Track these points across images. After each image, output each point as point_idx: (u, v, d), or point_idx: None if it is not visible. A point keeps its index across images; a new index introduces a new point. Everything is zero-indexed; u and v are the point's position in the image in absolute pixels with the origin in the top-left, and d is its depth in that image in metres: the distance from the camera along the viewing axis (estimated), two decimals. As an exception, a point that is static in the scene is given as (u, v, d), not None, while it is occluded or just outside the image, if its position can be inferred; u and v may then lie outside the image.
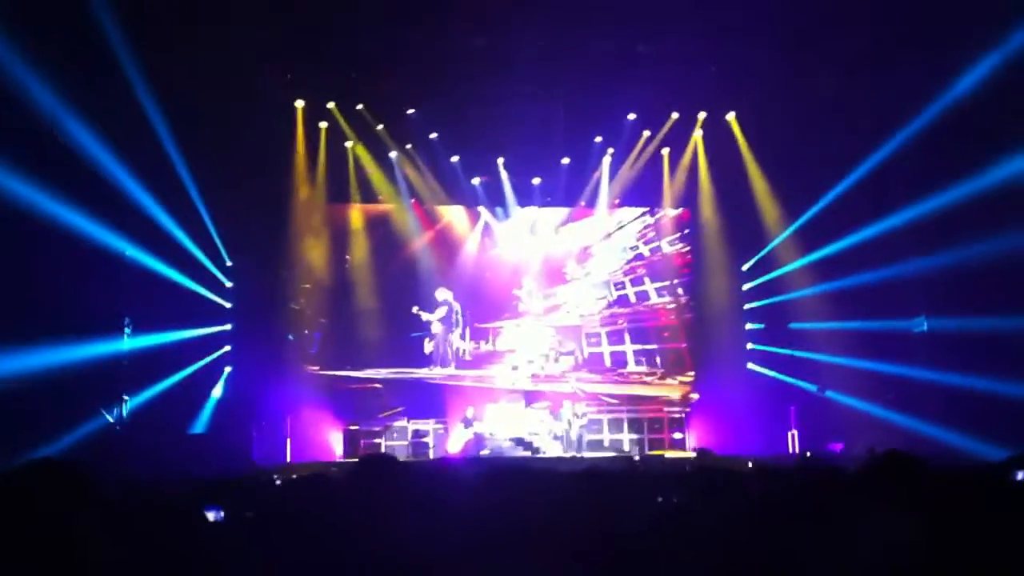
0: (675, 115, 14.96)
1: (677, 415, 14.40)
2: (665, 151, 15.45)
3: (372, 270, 15.21)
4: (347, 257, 15.26)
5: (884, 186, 12.65)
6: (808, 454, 9.87)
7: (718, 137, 15.10)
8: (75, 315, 10.73)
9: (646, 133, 15.21)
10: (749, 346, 15.25)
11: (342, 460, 13.28)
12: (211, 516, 3.32)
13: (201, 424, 12.93)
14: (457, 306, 14.99)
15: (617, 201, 15.79)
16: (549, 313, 15.28)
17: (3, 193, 9.56)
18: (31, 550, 2.38)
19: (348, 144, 14.75)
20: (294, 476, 7.26)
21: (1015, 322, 10.42)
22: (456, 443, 13.55)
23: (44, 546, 2.39)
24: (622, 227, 15.94)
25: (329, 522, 2.98)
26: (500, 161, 15.22)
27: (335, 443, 13.79)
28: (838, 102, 13.02)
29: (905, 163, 12.26)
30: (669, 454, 13.33)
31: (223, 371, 13.65)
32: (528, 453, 13.10)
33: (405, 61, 13.18)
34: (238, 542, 3.15)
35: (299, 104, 14.25)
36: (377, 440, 13.54)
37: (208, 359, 13.37)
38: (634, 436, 14.16)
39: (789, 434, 13.65)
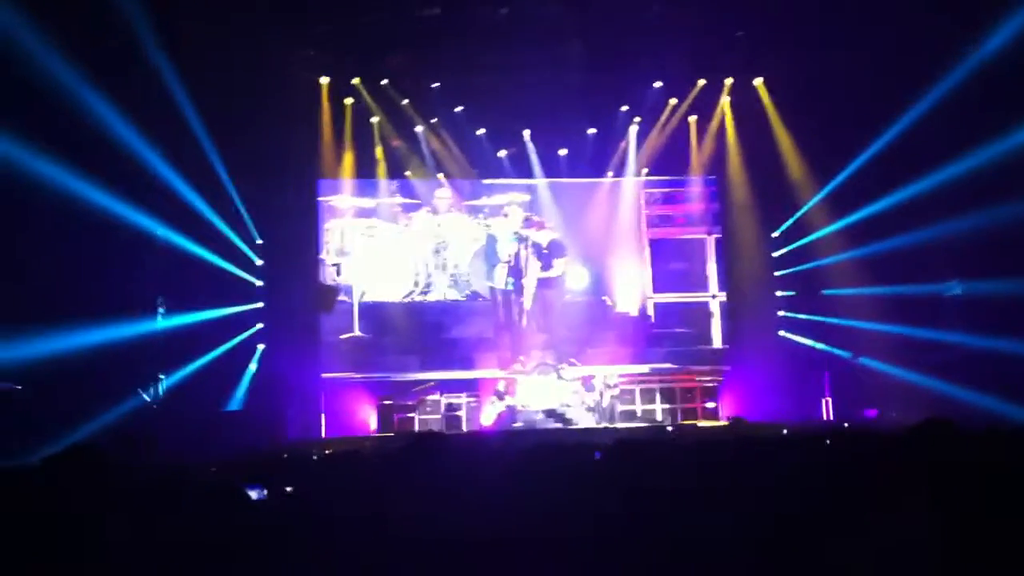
0: (701, 82, 14.84)
1: (709, 384, 14.35)
2: (692, 119, 15.34)
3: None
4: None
5: (915, 148, 12.47)
6: (845, 424, 9.82)
7: (746, 103, 14.96)
8: (109, 297, 10.86)
9: (673, 101, 15.11)
10: (780, 313, 15.16)
11: (376, 434, 13.37)
12: (254, 495, 3.34)
13: (236, 402, 13.06)
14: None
15: (645, 170, 15.72)
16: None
17: (36, 178, 9.67)
18: (63, 538, 2.41)
19: (374, 120, 14.76)
20: (328, 451, 7.32)
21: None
22: (489, 416, 13.58)
23: (77, 534, 2.42)
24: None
25: (366, 498, 3.00)
26: (526, 133, 15.18)
27: (369, 418, 13.87)
28: (867, 64, 12.84)
29: (936, 124, 12.09)
30: (702, 423, 13.31)
31: (256, 348, 13.76)
32: (560, 425, 13.11)
33: (428, 34, 13.14)
34: (277, 519, 3.18)
35: (324, 81, 14.25)
36: (411, 414, 13.61)
37: (241, 337, 13.49)
38: (667, 406, 14.14)
39: (823, 401, 13.59)
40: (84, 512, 2.53)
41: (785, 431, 8.01)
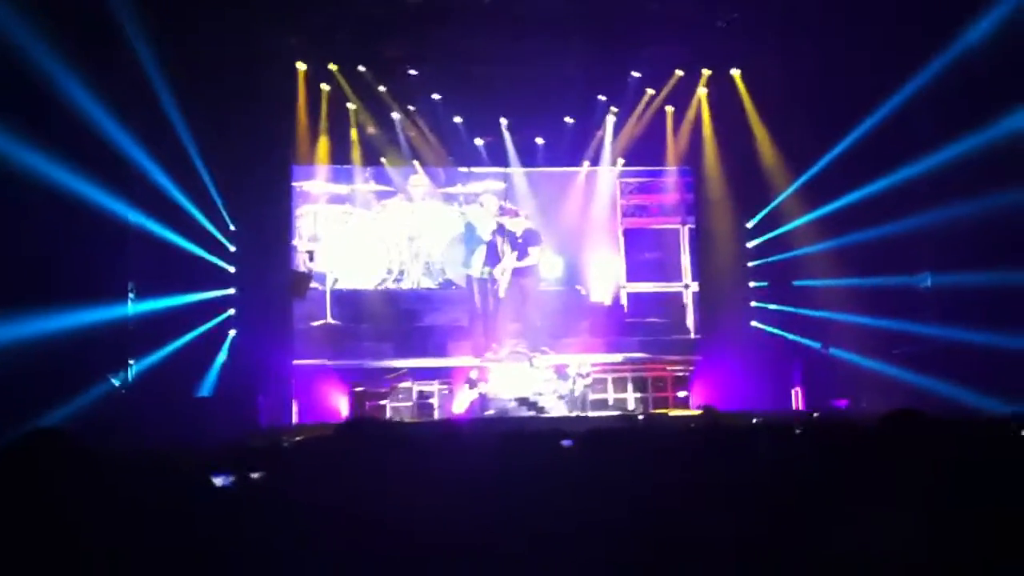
0: (679, 73, 14.87)
1: (681, 373, 14.40)
2: (669, 109, 15.37)
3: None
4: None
5: (888, 141, 12.55)
6: (815, 414, 9.89)
7: (723, 94, 15.00)
8: (79, 281, 10.74)
9: (650, 92, 15.13)
10: (753, 304, 15.24)
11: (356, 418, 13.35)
12: (219, 482, 3.31)
13: (207, 388, 12.99)
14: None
15: (621, 160, 15.74)
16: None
17: (6, 161, 9.54)
18: (30, 524, 2.38)
19: (350, 106, 14.69)
20: (299, 438, 7.29)
21: (1018, 276, 10.40)
22: (461, 404, 13.58)
23: (43, 519, 2.39)
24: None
25: (334, 486, 2.98)
26: (503, 121, 15.15)
27: (341, 405, 13.83)
28: (843, 57, 12.90)
29: (910, 118, 12.17)
30: (673, 412, 13.35)
31: (228, 335, 13.69)
32: (533, 413, 13.12)
33: (407, 21, 13.09)
34: (245, 507, 3.16)
35: (301, 67, 14.17)
36: (382, 402, 13.57)
37: (213, 323, 13.41)
38: (639, 395, 14.17)
39: (793, 391, 13.68)
40: (46, 498, 2.49)
41: (755, 420, 8.02)
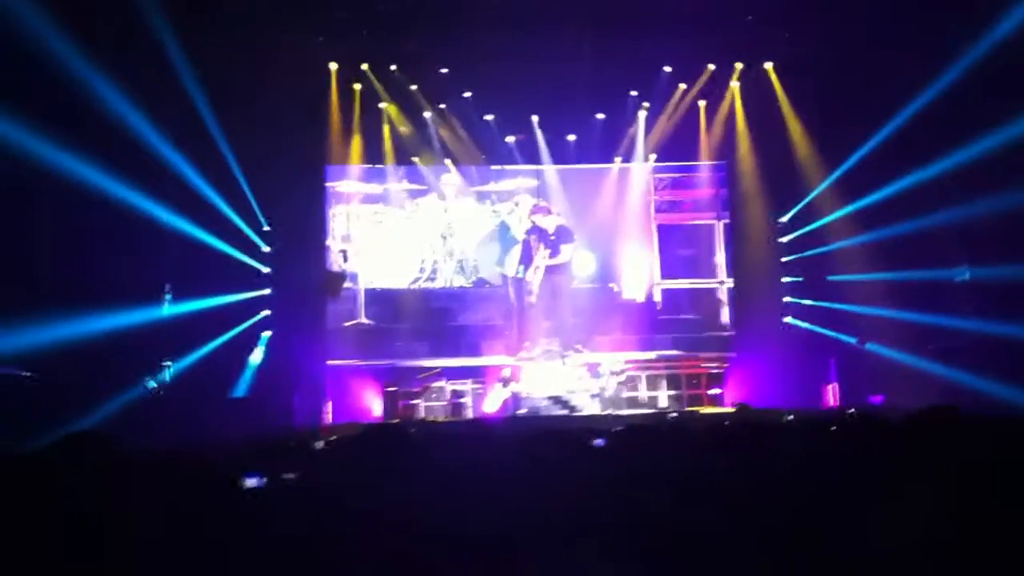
0: (711, 67, 14.78)
1: (715, 370, 14.33)
2: (702, 103, 15.29)
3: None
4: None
5: (924, 134, 12.40)
6: (851, 411, 9.79)
7: (756, 88, 14.90)
8: (116, 284, 10.85)
9: (682, 86, 15.06)
10: (787, 299, 15.13)
11: (381, 421, 13.39)
12: (252, 483, 3.33)
13: (242, 388, 13.08)
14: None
15: (653, 156, 15.68)
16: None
17: (43, 164, 9.66)
18: (67, 525, 2.40)
19: (382, 105, 14.75)
20: (332, 438, 7.32)
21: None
22: (493, 403, 13.59)
23: (80, 520, 2.41)
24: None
25: (366, 486, 3.00)
26: (535, 118, 15.14)
27: (374, 405, 13.88)
28: (877, 48, 12.77)
29: (946, 109, 12.01)
30: (707, 410, 13.29)
31: (262, 335, 13.78)
32: (565, 412, 13.10)
33: (437, 20, 13.12)
34: (276, 506, 3.18)
35: (333, 67, 14.24)
36: (415, 401, 13.62)
37: (248, 323, 13.51)
38: (672, 392, 14.12)
39: (829, 387, 13.57)
40: (85, 499, 2.52)
41: (791, 417, 7.97)
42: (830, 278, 14.40)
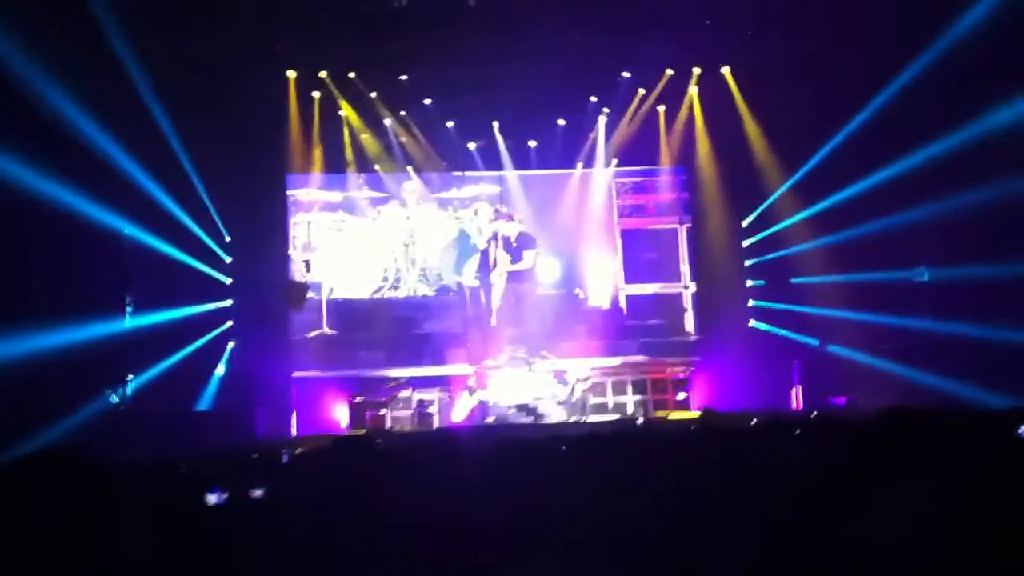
0: (669, 72, 14.86)
1: (681, 375, 14.38)
2: (661, 108, 15.36)
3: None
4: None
5: (882, 136, 12.55)
6: (814, 413, 9.88)
7: (714, 92, 14.98)
8: (75, 296, 10.73)
9: (641, 91, 15.13)
10: (751, 303, 15.22)
11: (347, 432, 13.30)
12: (212, 499, 3.30)
13: (206, 401, 12.96)
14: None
15: (615, 161, 15.73)
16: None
17: (-1, 174, 9.52)
18: (36, 540, 2.37)
19: (342, 113, 14.69)
20: (299, 451, 7.27)
21: (1016, 268, 10.40)
22: (461, 412, 13.55)
23: (49, 536, 2.38)
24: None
25: (328, 499, 2.98)
26: (495, 125, 15.15)
27: (340, 415, 13.79)
28: (833, 52, 12.91)
29: (903, 112, 12.16)
30: (674, 415, 13.32)
31: (226, 346, 13.66)
32: (532, 419, 13.08)
33: (396, 26, 13.07)
34: (244, 519, 3.15)
35: (291, 75, 14.15)
36: (382, 411, 13.54)
37: (211, 335, 13.38)
38: (638, 398, 14.14)
39: (793, 390, 13.66)
40: (61, 513, 2.48)
41: (754, 421, 8.01)
42: (793, 281, 14.51)
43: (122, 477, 2.92)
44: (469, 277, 15.00)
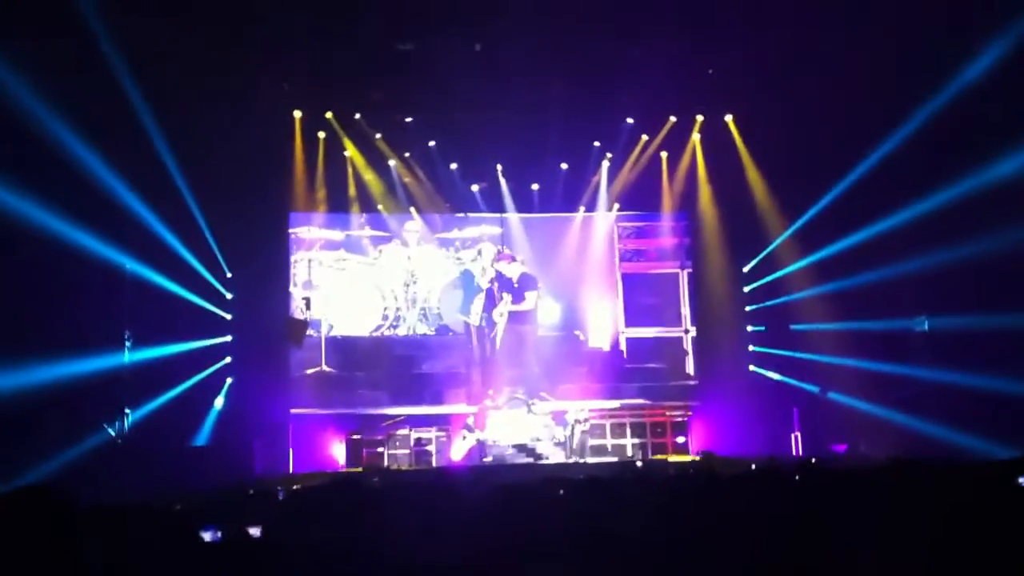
0: (672, 119, 14.96)
1: (680, 419, 14.34)
2: (663, 155, 15.45)
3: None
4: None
5: (882, 186, 12.61)
6: (813, 460, 9.84)
7: (717, 139, 15.09)
8: (75, 330, 10.73)
9: (644, 137, 15.23)
10: (751, 348, 15.22)
11: (344, 470, 13.24)
12: (207, 536, 3.27)
13: (204, 436, 12.91)
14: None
15: (617, 205, 15.80)
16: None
17: (2, 210, 9.56)
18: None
19: (346, 153, 14.77)
20: (295, 487, 7.24)
21: (1016, 319, 10.40)
22: (458, 451, 13.50)
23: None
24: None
25: (324, 537, 2.96)
26: (499, 168, 15.22)
27: (338, 452, 13.74)
28: (836, 102, 13.00)
29: (903, 162, 12.23)
30: (672, 458, 13.27)
31: (224, 382, 13.63)
32: (531, 460, 13.03)
33: (402, 69, 13.20)
34: (239, 558, 3.13)
35: (297, 114, 14.26)
36: (380, 449, 13.48)
37: (209, 371, 13.35)
38: (637, 440, 14.08)
39: (792, 436, 13.62)
40: (31, 556, 2.45)
41: (753, 466, 7.98)
42: (793, 327, 14.52)
43: (95, 519, 2.89)
44: (475, 316, 15.00)
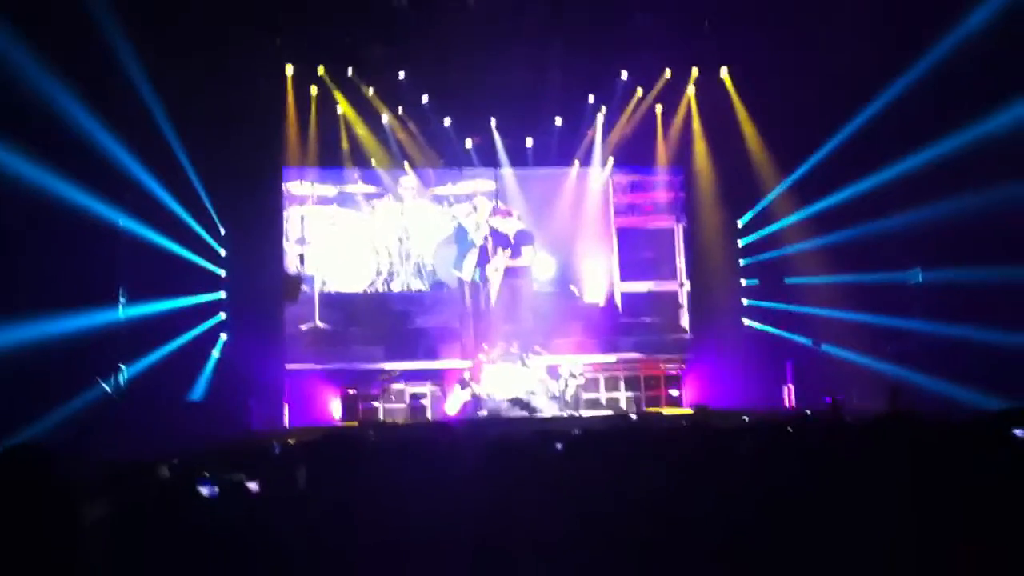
0: (668, 72, 14.86)
1: (674, 372, 14.41)
2: (658, 109, 15.37)
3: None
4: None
5: (877, 140, 12.56)
6: (808, 412, 9.90)
7: (712, 93, 15.00)
8: (70, 286, 10.69)
9: (639, 91, 15.13)
10: (745, 302, 15.25)
11: (340, 424, 13.32)
12: (205, 491, 3.30)
13: (199, 392, 12.94)
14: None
15: (611, 159, 15.73)
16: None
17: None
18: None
19: (340, 109, 14.67)
20: (291, 441, 7.28)
21: (1009, 272, 10.42)
22: (453, 405, 13.58)
23: (16, 540, 2.35)
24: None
25: (320, 490, 2.98)
26: (493, 122, 15.13)
27: (333, 407, 13.80)
28: (831, 56, 12.90)
29: (898, 117, 12.18)
30: (666, 411, 13.36)
31: (219, 338, 13.64)
32: (525, 413, 13.11)
33: (396, 24, 13.08)
34: (236, 509, 3.15)
35: (289, 70, 14.14)
36: (375, 403, 13.57)
37: (204, 326, 13.35)
38: (631, 394, 14.18)
39: (785, 388, 13.70)
40: (19, 515, 2.45)
41: (746, 418, 8.05)
42: (787, 280, 14.53)
43: (86, 476, 2.90)
44: (467, 272, 15.00)
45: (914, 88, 11.78)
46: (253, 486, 3.47)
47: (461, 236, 15.35)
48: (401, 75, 14.28)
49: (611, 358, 14.57)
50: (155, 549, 2.65)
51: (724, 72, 14.76)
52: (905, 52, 11.82)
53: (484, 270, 14.70)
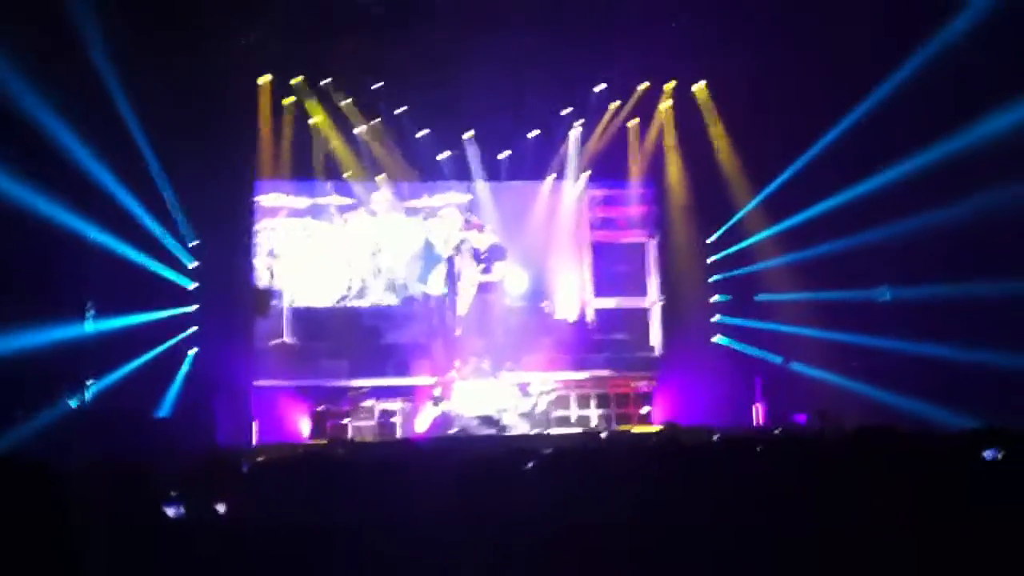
0: (642, 85, 14.90)
1: (644, 389, 14.42)
2: (632, 123, 15.41)
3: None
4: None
5: (847, 156, 12.66)
6: (776, 430, 9.93)
7: (686, 108, 15.07)
8: (37, 299, 10.57)
9: (614, 105, 15.16)
10: (715, 318, 15.29)
11: (309, 442, 13.20)
12: (171, 512, 3.25)
13: (167, 407, 12.79)
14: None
15: (587, 173, 15.73)
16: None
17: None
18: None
19: (313, 119, 14.62)
20: (259, 459, 7.19)
21: (978, 289, 10.50)
22: (423, 422, 13.51)
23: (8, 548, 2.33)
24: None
25: (288, 510, 2.95)
26: (468, 135, 15.11)
27: (302, 424, 13.70)
28: (803, 70, 13.00)
29: (867, 133, 12.29)
30: (636, 429, 13.35)
31: (188, 353, 13.50)
32: (495, 431, 13.06)
33: (371, 33, 13.05)
34: (201, 531, 3.11)
35: (263, 80, 14.09)
36: (344, 421, 13.48)
37: (173, 341, 13.21)
38: (601, 411, 14.17)
39: (754, 406, 13.73)
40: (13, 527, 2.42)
41: (715, 437, 8.04)
42: (758, 297, 14.58)
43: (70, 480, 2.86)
44: (435, 287, 14.95)
45: (884, 105, 11.89)
46: (221, 508, 3.43)
47: (428, 251, 15.28)
48: (376, 86, 14.24)
49: (582, 375, 14.55)
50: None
51: (697, 87, 14.84)
52: (878, 68, 11.94)
53: (454, 284, 14.64)
